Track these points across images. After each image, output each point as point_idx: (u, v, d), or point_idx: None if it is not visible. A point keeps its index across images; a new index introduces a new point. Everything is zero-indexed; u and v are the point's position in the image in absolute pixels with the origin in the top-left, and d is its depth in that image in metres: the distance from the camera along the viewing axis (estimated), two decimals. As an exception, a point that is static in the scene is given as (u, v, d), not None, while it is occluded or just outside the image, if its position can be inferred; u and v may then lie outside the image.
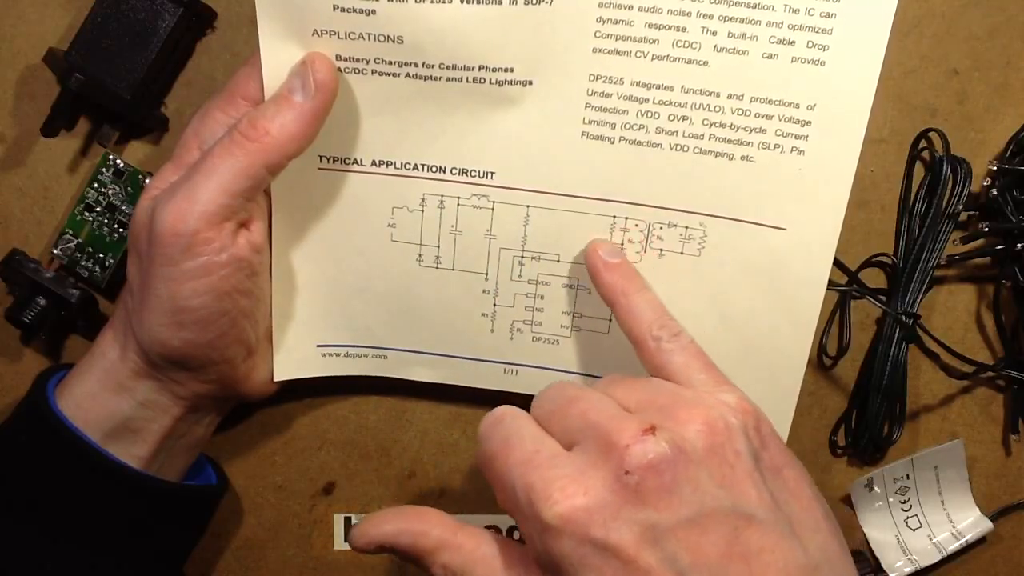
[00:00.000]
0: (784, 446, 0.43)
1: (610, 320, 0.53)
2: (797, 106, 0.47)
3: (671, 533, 0.38)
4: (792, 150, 0.48)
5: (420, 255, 0.53)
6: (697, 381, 0.44)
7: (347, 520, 0.61)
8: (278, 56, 0.47)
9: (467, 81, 0.48)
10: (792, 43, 0.46)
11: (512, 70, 0.48)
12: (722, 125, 0.48)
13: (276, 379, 0.55)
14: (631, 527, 0.38)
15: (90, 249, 0.56)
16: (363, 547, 0.46)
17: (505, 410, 0.45)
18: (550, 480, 0.39)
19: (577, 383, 0.45)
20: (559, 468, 0.40)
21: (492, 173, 0.50)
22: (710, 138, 0.48)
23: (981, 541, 0.59)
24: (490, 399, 0.57)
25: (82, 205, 0.55)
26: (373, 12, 0.46)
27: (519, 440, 0.42)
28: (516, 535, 0.61)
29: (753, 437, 0.41)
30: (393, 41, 0.47)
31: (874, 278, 0.57)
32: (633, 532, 0.38)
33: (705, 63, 0.47)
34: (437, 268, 0.53)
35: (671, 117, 0.48)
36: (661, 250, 0.51)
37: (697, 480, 0.39)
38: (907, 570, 0.59)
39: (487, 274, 0.53)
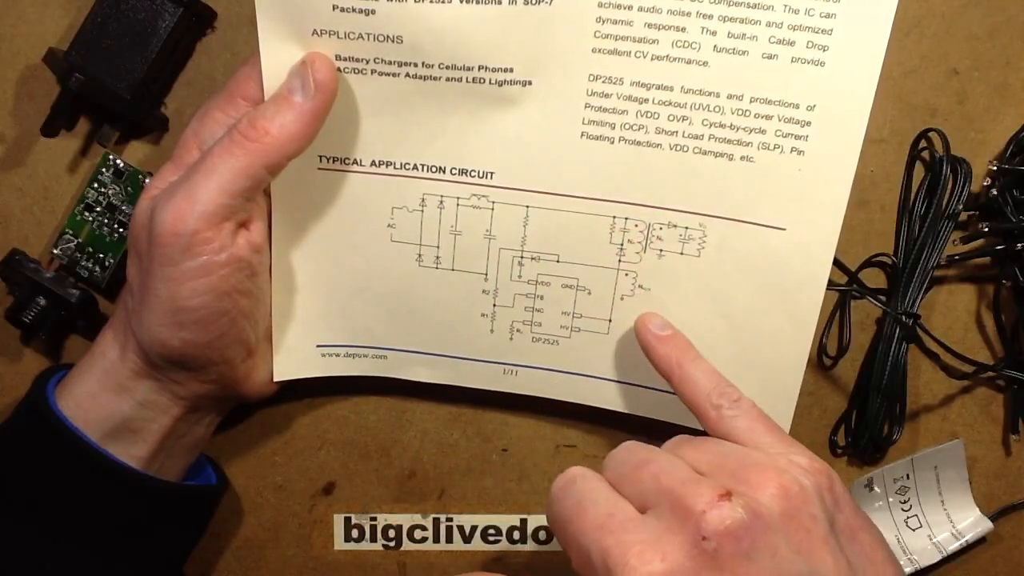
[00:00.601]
0: (858, 507, 0.43)
1: (610, 321, 0.53)
2: (797, 106, 0.47)
3: None
4: (792, 150, 0.48)
5: (420, 255, 0.53)
6: (765, 444, 0.44)
7: (347, 520, 0.61)
8: (278, 56, 0.47)
9: (467, 81, 0.48)
10: (792, 43, 0.46)
11: (512, 70, 0.48)
12: (722, 125, 0.48)
13: (276, 379, 0.55)
14: None
15: (90, 249, 0.56)
16: None
17: (576, 471, 0.44)
18: (627, 545, 0.38)
19: (647, 445, 0.44)
20: (635, 533, 0.39)
21: (492, 173, 0.50)
22: (710, 138, 0.48)
23: (981, 541, 0.59)
24: (490, 399, 0.57)
25: (82, 205, 0.55)
26: (373, 12, 0.46)
27: (593, 503, 0.41)
28: (515, 535, 0.61)
29: (828, 499, 0.41)
30: (393, 41, 0.47)
31: (874, 278, 0.57)
32: None
33: (705, 63, 0.47)
34: (437, 268, 0.53)
35: (671, 117, 0.48)
36: (661, 250, 0.51)
37: (775, 546, 0.38)
38: (907, 570, 0.59)
39: (487, 274, 0.53)
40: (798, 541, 0.39)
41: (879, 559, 0.41)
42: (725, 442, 0.44)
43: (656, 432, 0.57)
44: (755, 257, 0.50)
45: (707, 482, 0.40)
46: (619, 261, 0.52)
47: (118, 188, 0.55)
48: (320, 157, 0.51)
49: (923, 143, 0.55)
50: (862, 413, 0.57)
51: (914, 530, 0.59)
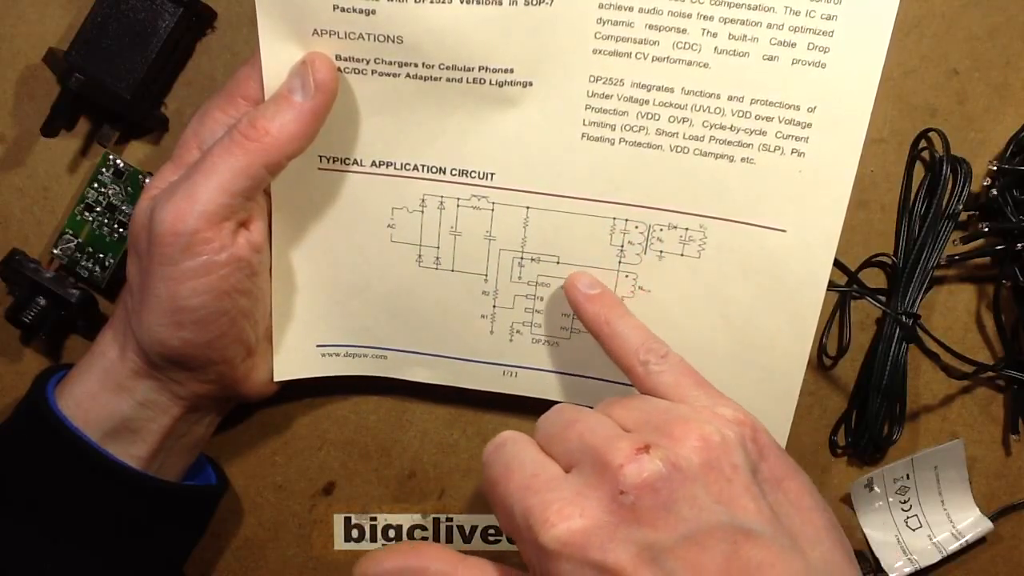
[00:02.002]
0: (785, 456, 0.43)
1: (610, 322, 0.53)
2: (798, 108, 0.47)
3: (669, 551, 0.37)
4: (792, 152, 0.48)
5: (420, 256, 0.53)
6: (691, 397, 0.44)
7: (347, 520, 0.61)
8: (278, 56, 0.47)
9: (467, 82, 0.48)
10: (793, 45, 0.46)
11: (512, 71, 0.48)
12: (722, 127, 0.48)
13: (276, 379, 0.55)
14: (628, 547, 0.37)
15: (90, 249, 0.56)
16: None
17: (507, 435, 0.44)
18: (548, 503, 0.39)
19: (577, 406, 0.45)
20: (557, 491, 0.40)
21: (492, 174, 0.50)
22: (710, 140, 0.48)
23: (981, 541, 0.59)
24: (490, 400, 0.57)
25: (82, 205, 0.55)
26: (373, 12, 0.46)
27: (519, 465, 0.42)
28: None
29: (751, 449, 0.41)
30: (393, 41, 0.47)
31: (874, 278, 0.57)
32: (631, 552, 0.37)
33: (705, 65, 0.47)
34: (437, 269, 0.53)
35: (671, 119, 0.48)
36: (661, 252, 0.51)
37: (694, 496, 0.38)
38: (907, 570, 0.59)
39: (487, 275, 0.53)
40: (718, 490, 0.39)
41: (805, 505, 0.41)
42: (652, 399, 0.45)
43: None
44: (755, 258, 0.50)
45: (627, 437, 0.40)
46: (619, 262, 0.52)
47: (118, 188, 0.55)
48: (320, 157, 0.51)
49: (923, 143, 0.55)
50: (862, 413, 0.57)
51: (914, 530, 0.59)
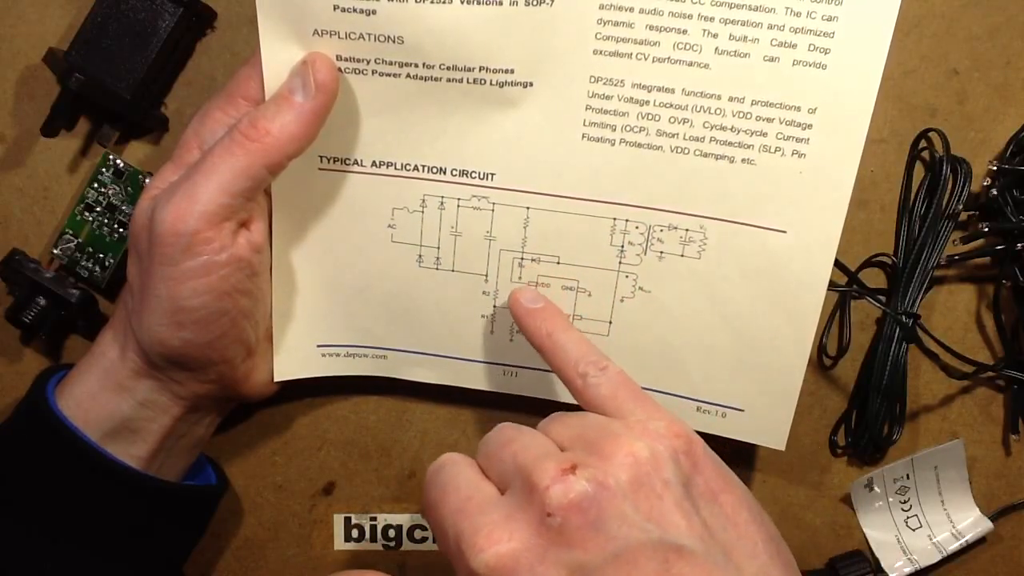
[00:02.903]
0: (722, 469, 0.42)
1: (610, 323, 0.53)
2: (798, 109, 0.47)
3: (599, 571, 0.37)
4: (793, 153, 0.48)
5: (420, 256, 0.53)
6: (626, 411, 0.43)
7: (347, 520, 0.61)
8: (278, 56, 0.47)
9: (467, 82, 0.48)
10: (794, 46, 0.46)
11: (512, 71, 0.48)
12: (723, 128, 0.48)
13: (276, 379, 0.55)
14: (558, 570, 0.37)
15: (90, 249, 0.56)
16: None
17: (446, 458, 0.44)
18: (478, 527, 0.39)
19: (517, 425, 0.44)
20: (488, 515, 0.39)
21: (492, 174, 0.50)
22: (711, 141, 0.48)
23: (981, 541, 0.59)
24: (490, 400, 0.57)
25: (82, 205, 0.55)
26: (374, 12, 0.46)
27: (455, 487, 0.41)
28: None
29: (684, 463, 0.41)
30: (393, 41, 0.47)
31: (874, 278, 0.57)
32: (560, 575, 0.37)
33: (706, 66, 0.47)
34: (437, 269, 0.53)
35: (672, 119, 0.48)
36: (661, 252, 0.51)
37: (623, 514, 0.38)
38: (907, 570, 0.59)
39: (487, 276, 0.53)
40: (648, 507, 0.38)
41: (742, 519, 0.41)
42: (589, 415, 0.44)
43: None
44: (756, 259, 0.50)
45: (555, 457, 0.40)
46: (619, 263, 0.52)
47: (118, 188, 0.55)
48: (321, 157, 0.51)
49: (923, 143, 0.55)
50: (862, 413, 0.57)
51: (914, 530, 0.59)
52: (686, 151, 0.48)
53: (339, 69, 0.48)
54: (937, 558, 0.59)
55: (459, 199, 0.51)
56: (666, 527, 0.38)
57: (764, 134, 0.47)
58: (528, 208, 0.51)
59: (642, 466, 0.39)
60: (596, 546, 0.37)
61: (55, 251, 0.56)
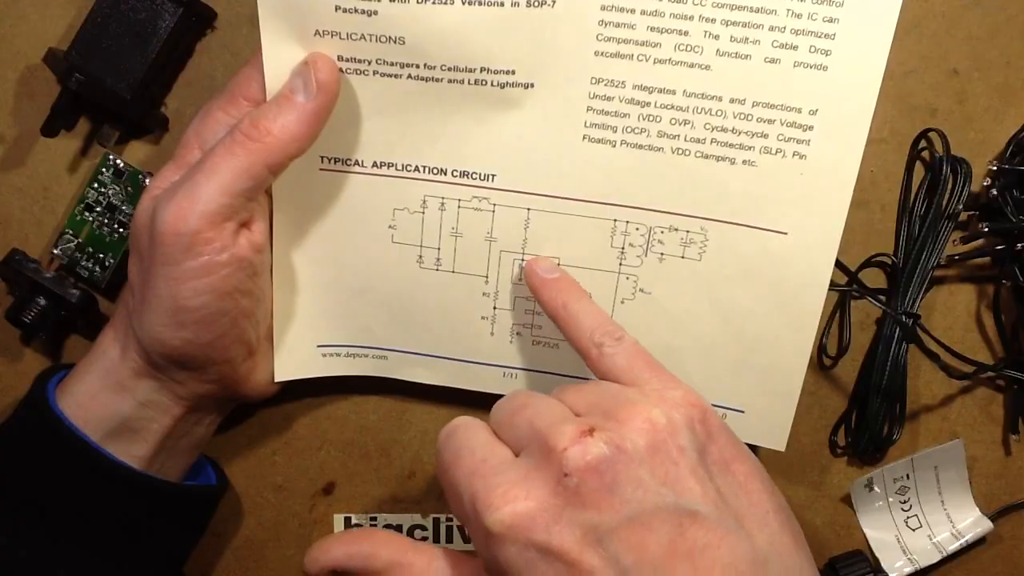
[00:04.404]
0: (734, 439, 0.43)
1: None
2: (799, 111, 0.47)
3: (614, 533, 0.38)
4: (794, 155, 0.48)
5: (421, 257, 0.53)
6: (642, 380, 0.44)
7: (347, 520, 0.61)
8: (280, 56, 0.47)
9: (468, 83, 0.48)
10: (795, 48, 0.46)
11: (514, 72, 0.48)
12: (724, 129, 0.48)
13: (277, 379, 0.55)
14: (573, 529, 0.38)
15: (90, 249, 0.56)
16: (315, 574, 0.47)
17: (459, 421, 0.45)
18: (494, 487, 0.40)
19: (531, 392, 0.45)
20: (503, 475, 0.40)
21: (493, 175, 0.50)
22: (712, 142, 0.48)
23: (981, 541, 0.59)
24: (490, 401, 0.57)
25: (82, 205, 0.55)
26: (375, 13, 0.46)
27: (469, 450, 0.42)
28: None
29: (699, 431, 0.41)
30: (395, 42, 0.47)
31: (874, 278, 0.57)
32: (575, 534, 0.38)
33: (707, 67, 0.47)
34: (437, 270, 0.53)
35: (673, 121, 0.48)
36: (662, 254, 0.51)
37: (639, 479, 0.39)
38: (907, 570, 0.59)
39: (487, 277, 0.53)
40: (664, 472, 0.39)
41: (754, 488, 0.41)
42: (604, 383, 0.45)
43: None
44: (756, 261, 0.50)
45: (573, 421, 0.41)
46: (620, 264, 0.52)
47: (118, 188, 0.55)
48: (322, 158, 0.51)
49: (923, 143, 0.55)
50: (862, 413, 0.57)
51: (914, 530, 0.59)
52: (687, 152, 0.48)
53: (340, 69, 0.48)
54: (937, 558, 0.59)
55: (460, 200, 0.51)
56: (681, 492, 0.39)
57: (765, 135, 0.48)
58: (529, 209, 0.51)
59: (659, 432, 0.40)
60: (611, 508, 0.38)
61: (55, 251, 0.56)
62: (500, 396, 0.55)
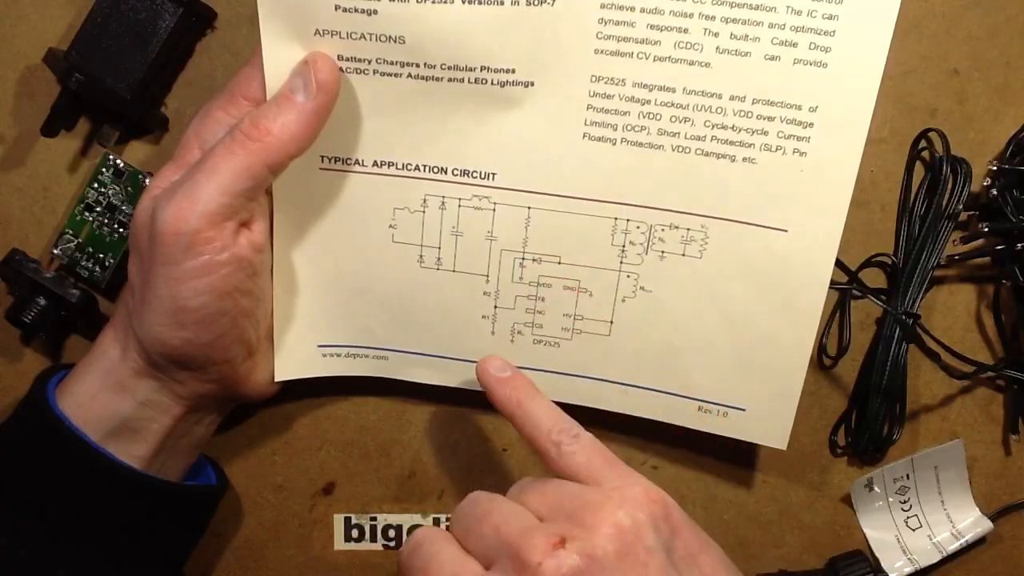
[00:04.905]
0: (697, 530, 0.44)
1: (611, 322, 0.53)
2: (799, 108, 0.47)
3: None
4: (794, 152, 0.48)
5: (421, 256, 0.53)
6: (602, 478, 0.44)
7: (347, 520, 0.61)
8: (280, 56, 0.47)
9: (469, 82, 0.48)
10: (794, 45, 0.46)
11: (514, 71, 0.48)
12: (724, 127, 0.48)
13: (277, 379, 0.55)
14: None
15: (90, 249, 0.56)
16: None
17: (422, 534, 0.44)
18: None
19: (490, 494, 0.45)
20: None
21: (493, 174, 0.50)
22: (712, 140, 0.48)
23: (981, 541, 0.59)
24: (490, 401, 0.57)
25: (82, 205, 0.55)
26: (375, 12, 0.46)
27: (438, 566, 0.42)
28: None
29: (663, 528, 0.42)
30: (395, 41, 0.47)
31: (874, 278, 0.57)
32: None
33: (707, 64, 0.47)
34: (438, 269, 0.53)
35: (673, 119, 0.48)
36: (663, 252, 0.51)
37: None
38: (907, 570, 0.59)
39: (488, 276, 0.53)
40: None
41: None
42: (565, 483, 0.45)
43: (654, 433, 0.57)
44: (757, 259, 0.50)
45: (542, 530, 0.41)
46: (621, 263, 0.52)
47: (118, 188, 0.55)
48: (322, 157, 0.51)
49: (923, 143, 0.55)
50: (862, 413, 0.57)
51: (914, 530, 0.59)
52: (687, 150, 0.48)
53: (340, 69, 0.48)
54: (937, 558, 0.59)
55: (460, 199, 0.51)
56: None
57: (765, 133, 0.48)
58: (529, 208, 0.51)
59: (626, 535, 0.41)
60: None
61: (55, 251, 0.56)
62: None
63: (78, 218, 0.56)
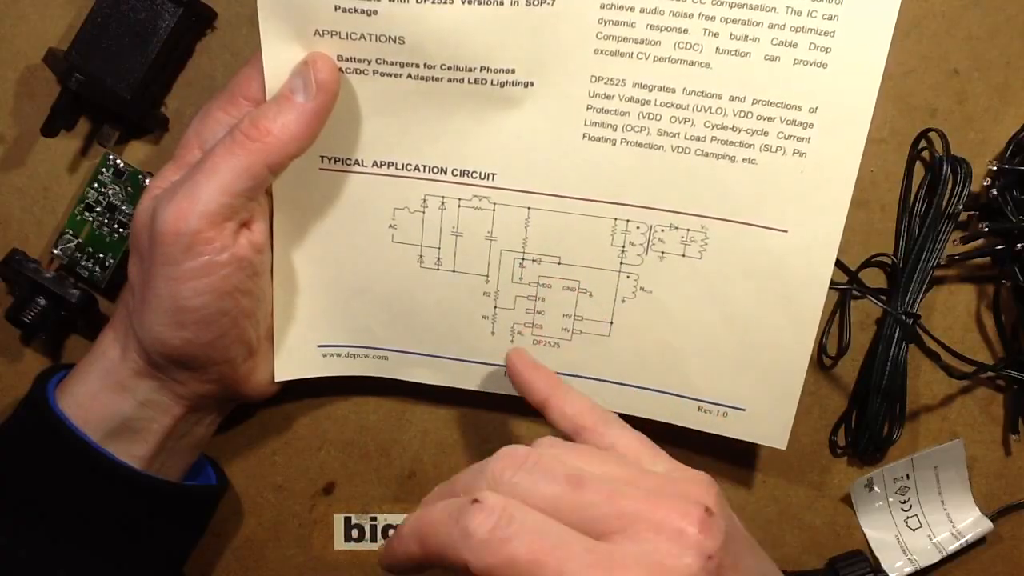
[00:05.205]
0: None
1: (611, 323, 0.53)
2: (799, 108, 0.47)
3: None
4: (794, 152, 0.48)
5: (421, 256, 0.53)
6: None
7: (347, 520, 0.61)
8: (280, 56, 0.47)
9: (468, 82, 0.48)
10: (794, 45, 0.46)
11: (513, 71, 0.48)
12: (724, 127, 0.48)
13: (277, 379, 0.55)
14: None
15: (90, 249, 0.56)
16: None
17: (495, 502, 0.39)
18: None
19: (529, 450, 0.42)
20: (633, 569, 0.37)
21: (493, 174, 0.50)
22: (712, 140, 0.48)
23: (981, 541, 0.59)
24: (490, 400, 0.57)
25: (82, 205, 0.55)
26: (375, 12, 0.46)
27: (555, 545, 0.37)
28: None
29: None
30: (394, 41, 0.47)
31: (874, 278, 0.57)
32: None
33: (707, 65, 0.47)
34: (438, 270, 0.53)
35: (673, 119, 0.48)
36: (663, 252, 0.51)
37: (745, 552, 0.42)
38: (907, 570, 0.59)
39: (488, 276, 0.53)
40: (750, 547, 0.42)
41: None
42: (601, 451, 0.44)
43: (654, 433, 0.57)
44: (757, 259, 0.50)
45: (679, 499, 0.39)
46: (621, 263, 0.52)
47: (118, 188, 0.55)
48: (322, 157, 0.51)
49: (923, 143, 0.55)
50: (862, 413, 0.57)
51: (914, 530, 0.59)
52: (687, 151, 0.48)
53: (340, 69, 0.48)
54: (937, 558, 0.59)
55: (460, 199, 0.51)
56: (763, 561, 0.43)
57: (765, 133, 0.48)
58: (529, 208, 0.51)
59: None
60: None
61: (55, 251, 0.56)
62: (501, 396, 0.55)
63: (78, 218, 0.56)
